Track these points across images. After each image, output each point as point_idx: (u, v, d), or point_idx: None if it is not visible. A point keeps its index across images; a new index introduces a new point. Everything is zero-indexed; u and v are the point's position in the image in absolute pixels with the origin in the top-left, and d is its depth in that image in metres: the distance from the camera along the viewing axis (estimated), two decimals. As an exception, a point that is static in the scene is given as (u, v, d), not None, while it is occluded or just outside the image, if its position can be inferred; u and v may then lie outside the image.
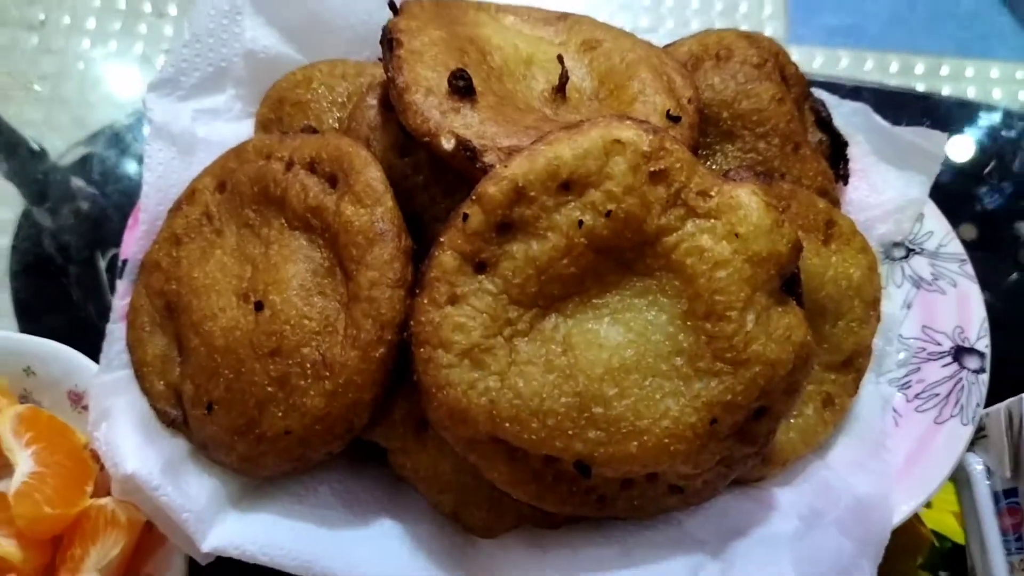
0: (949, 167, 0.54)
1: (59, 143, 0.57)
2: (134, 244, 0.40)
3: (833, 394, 0.39)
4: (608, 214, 0.31)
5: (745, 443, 0.34)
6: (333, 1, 0.43)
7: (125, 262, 0.41)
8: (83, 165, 0.56)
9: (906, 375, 0.41)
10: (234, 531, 0.36)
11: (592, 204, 0.32)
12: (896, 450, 0.40)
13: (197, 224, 0.38)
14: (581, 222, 0.31)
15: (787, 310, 0.33)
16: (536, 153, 0.32)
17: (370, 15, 0.43)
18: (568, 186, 0.32)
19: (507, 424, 0.32)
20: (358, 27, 0.43)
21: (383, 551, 0.36)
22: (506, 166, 0.32)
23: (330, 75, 0.41)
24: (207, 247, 0.37)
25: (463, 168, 0.33)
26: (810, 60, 0.62)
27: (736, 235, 0.32)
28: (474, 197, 0.32)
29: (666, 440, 0.32)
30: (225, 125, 0.42)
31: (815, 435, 0.39)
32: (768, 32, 0.63)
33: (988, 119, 0.59)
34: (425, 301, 0.32)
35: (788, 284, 0.33)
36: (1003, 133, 0.58)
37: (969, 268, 0.42)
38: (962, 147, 0.57)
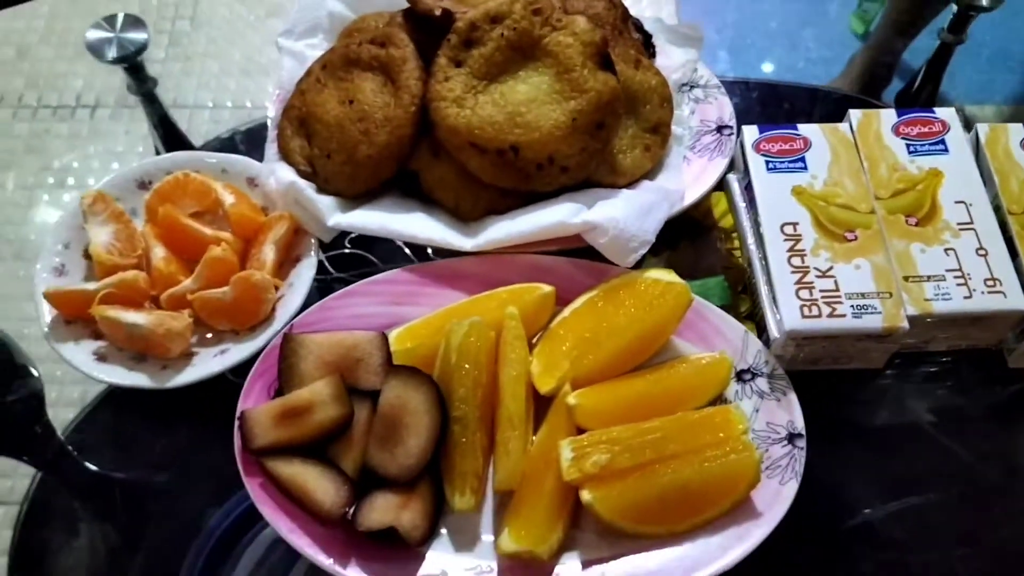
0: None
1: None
2: (277, 106, 0.76)
3: (650, 144, 0.74)
4: (514, 30, 0.68)
5: (596, 140, 0.68)
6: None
7: (273, 117, 0.76)
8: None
9: (693, 143, 0.76)
10: (343, 218, 0.69)
11: (507, 26, 0.68)
12: (688, 174, 0.74)
13: (313, 83, 0.74)
14: (503, 34, 0.68)
15: (606, 73, 0.68)
16: (480, 7, 0.68)
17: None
18: (495, 19, 0.68)
19: (476, 131, 0.67)
20: (386, 2, 0.80)
21: (422, 223, 0.69)
22: (466, 13, 0.68)
23: (373, 17, 0.78)
24: (319, 91, 0.73)
25: (445, 23, 0.69)
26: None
27: (574, 34, 0.68)
28: (452, 30, 0.68)
29: (553, 130, 0.67)
30: (318, 50, 0.79)
31: (642, 165, 0.73)
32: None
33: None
34: (433, 81, 0.68)
35: (606, 62, 0.69)
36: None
37: (722, 90, 0.78)
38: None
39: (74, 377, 0.80)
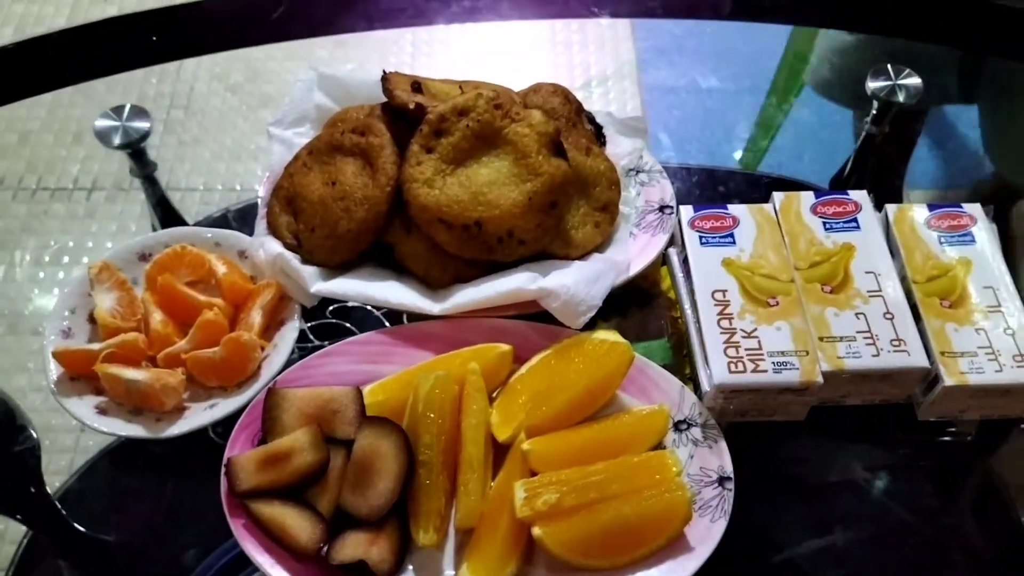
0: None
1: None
2: (267, 187, 0.85)
3: (599, 221, 0.83)
4: (478, 121, 0.77)
5: (550, 217, 0.77)
6: (356, 88, 0.90)
7: (263, 196, 0.85)
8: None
9: (639, 220, 0.85)
10: (324, 286, 0.77)
11: (471, 118, 0.77)
12: (634, 247, 0.83)
13: (300, 166, 0.83)
14: (468, 125, 0.77)
15: (558, 159, 0.78)
16: (448, 102, 0.78)
17: (372, 88, 0.90)
18: (462, 113, 0.78)
19: (444, 209, 0.76)
20: (367, 96, 0.90)
21: (395, 290, 0.77)
22: (436, 107, 0.78)
23: (355, 110, 0.88)
24: (305, 173, 0.82)
25: (418, 115, 0.79)
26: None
27: (530, 125, 0.77)
28: (424, 121, 0.78)
29: (512, 208, 0.76)
30: (305, 138, 0.88)
31: (592, 239, 0.82)
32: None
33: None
34: (407, 165, 0.77)
35: (559, 149, 0.78)
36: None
37: (664, 175, 0.88)
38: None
39: (63, 445, 0.85)
